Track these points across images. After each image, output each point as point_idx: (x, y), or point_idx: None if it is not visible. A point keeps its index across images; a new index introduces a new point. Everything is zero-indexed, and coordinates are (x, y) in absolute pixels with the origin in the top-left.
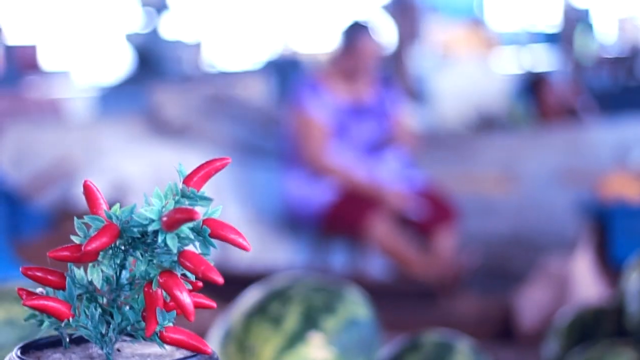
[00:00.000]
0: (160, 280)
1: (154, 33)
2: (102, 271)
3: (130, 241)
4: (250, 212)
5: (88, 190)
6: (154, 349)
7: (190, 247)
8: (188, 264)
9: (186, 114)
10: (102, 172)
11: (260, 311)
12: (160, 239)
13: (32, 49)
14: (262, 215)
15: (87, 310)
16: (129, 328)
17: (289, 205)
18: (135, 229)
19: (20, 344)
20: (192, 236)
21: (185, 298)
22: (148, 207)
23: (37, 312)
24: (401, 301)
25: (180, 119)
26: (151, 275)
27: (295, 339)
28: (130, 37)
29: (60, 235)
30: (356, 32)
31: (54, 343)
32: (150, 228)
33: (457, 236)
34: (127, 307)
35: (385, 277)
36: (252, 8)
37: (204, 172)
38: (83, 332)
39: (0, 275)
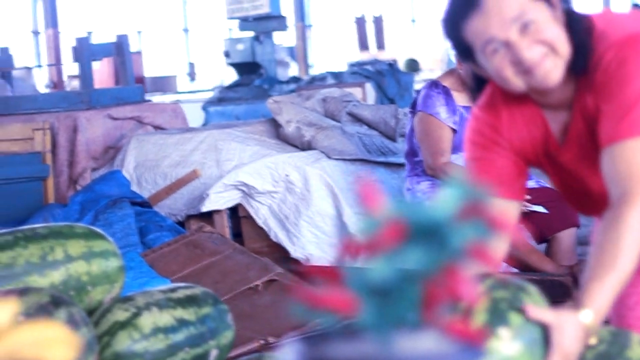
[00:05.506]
0: (445, 274)
1: (257, 38)
2: (384, 265)
3: (414, 235)
4: None
5: (365, 187)
6: (432, 342)
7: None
8: (478, 258)
9: (303, 117)
10: (227, 177)
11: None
12: (447, 233)
13: (138, 55)
14: None
15: (367, 304)
16: (408, 321)
17: None
18: (421, 224)
19: (296, 337)
20: (479, 230)
21: (471, 293)
22: (436, 202)
23: (310, 307)
24: None
25: (297, 122)
26: (434, 269)
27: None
28: (234, 42)
29: (190, 241)
30: None
31: (328, 335)
32: (438, 223)
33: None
34: (407, 300)
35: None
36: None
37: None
38: (363, 325)
39: (135, 282)
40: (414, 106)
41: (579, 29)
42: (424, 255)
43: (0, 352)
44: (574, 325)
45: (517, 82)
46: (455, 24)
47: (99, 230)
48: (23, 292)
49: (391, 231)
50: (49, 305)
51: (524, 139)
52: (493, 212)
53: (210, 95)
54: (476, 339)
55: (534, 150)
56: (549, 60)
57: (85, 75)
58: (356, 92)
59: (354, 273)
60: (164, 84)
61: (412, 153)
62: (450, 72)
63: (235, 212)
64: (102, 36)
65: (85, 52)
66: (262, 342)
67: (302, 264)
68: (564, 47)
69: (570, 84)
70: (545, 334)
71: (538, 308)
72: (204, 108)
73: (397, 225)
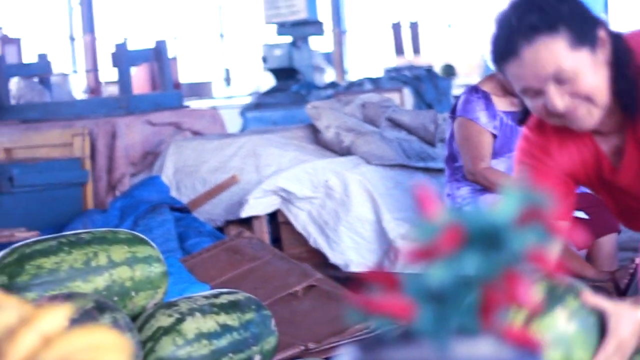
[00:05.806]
0: (504, 280)
1: (294, 43)
2: (442, 271)
3: (473, 240)
4: (410, 220)
5: (422, 192)
6: (490, 348)
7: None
8: (537, 263)
9: (342, 123)
10: (266, 183)
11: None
12: (507, 238)
13: (173, 61)
14: None
15: (424, 310)
16: (466, 327)
17: None
18: (480, 229)
19: (351, 342)
20: (538, 235)
21: (529, 298)
22: (495, 207)
23: (366, 312)
24: None
25: (336, 128)
26: (493, 274)
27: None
28: (271, 47)
29: (230, 247)
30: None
31: (384, 341)
32: (497, 227)
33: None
34: (465, 306)
35: None
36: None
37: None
38: (420, 331)
39: (175, 287)
40: (453, 111)
41: (627, 68)
42: (482, 261)
43: (52, 357)
44: (631, 318)
45: (554, 122)
46: (495, 59)
47: (142, 235)
48: (68, 297)
49: (449, 236)
50: (93, 310)
51: (575, 160)
52: (551, 217)
53: (246, 100)
54: (534, 345)
55: (585, 172)
56: (583, 107)
57: (124, 81)
58: (394, 97)
59: (411, 278)
60: (199, 90)
61: (452, 158)
62: (490, 77)
63: (275, 218)
64: (138, 42)
65: (123, 57)
66: (302, 347)
67: (349, 270)
68: (602, 98)
69: (617, 113)
70: (600, 323)
71: (595, 296)
72: (242, 113)
73: (456, 231)
